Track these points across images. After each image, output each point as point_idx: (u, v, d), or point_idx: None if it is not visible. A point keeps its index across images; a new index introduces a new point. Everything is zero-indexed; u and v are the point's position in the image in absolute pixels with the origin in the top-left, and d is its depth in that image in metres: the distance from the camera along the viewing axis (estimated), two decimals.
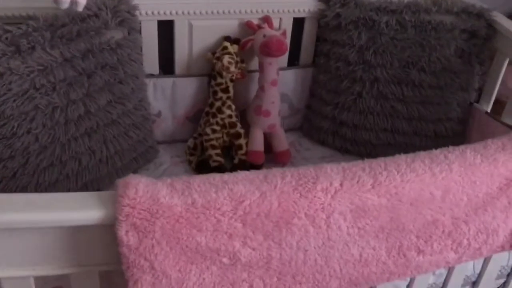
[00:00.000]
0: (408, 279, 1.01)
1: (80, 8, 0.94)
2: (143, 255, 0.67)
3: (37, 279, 0.72)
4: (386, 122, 1.42)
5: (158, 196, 0.67)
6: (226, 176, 0.73)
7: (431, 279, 1.06)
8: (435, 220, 0.85)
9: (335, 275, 0.82)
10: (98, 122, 1.16)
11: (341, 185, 0.76)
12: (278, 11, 1.38)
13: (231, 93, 1.36)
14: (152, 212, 0.66)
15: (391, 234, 0.83)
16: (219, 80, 1.34)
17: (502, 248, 0.95)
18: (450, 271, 1.05)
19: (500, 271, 1.14)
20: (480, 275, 1.12)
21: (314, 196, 0.74)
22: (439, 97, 1.39)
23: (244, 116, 1.42)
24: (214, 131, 1.35)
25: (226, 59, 1.29)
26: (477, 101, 1.42)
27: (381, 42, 1.36)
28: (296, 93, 1.51)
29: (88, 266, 0.71)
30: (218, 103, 1.36)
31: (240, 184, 0.72)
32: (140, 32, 1.25)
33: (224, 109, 1.36)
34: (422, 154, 0.84)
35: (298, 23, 1.44)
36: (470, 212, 0.87)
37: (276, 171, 0.76)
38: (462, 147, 0.86)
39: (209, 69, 1.38)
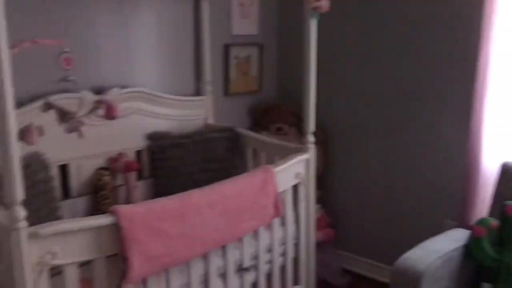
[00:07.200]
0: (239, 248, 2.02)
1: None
2: (133, 232, 1.55)
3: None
4: None
5: (132, 210, 1.59)
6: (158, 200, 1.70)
7: (252, 248, 2.08)
8: (243, 205, 1.92)
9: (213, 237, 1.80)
10: None
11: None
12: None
13: None
14: (132, 214, 1.57)
15: (226, 215, 1.86)
16: None
17: (272, 216, 2.07)
18: (258, 241, 2.10)
19: (282, 241, 2.24)
20: (271, 245, 2.19)
21: (190, 204, 1.74)
22: (223, 175, 2.54)
23: None
24: None
25: None
26: None
27: (189, 153, 2.49)
28: None
29: (101, 253, 1.54)
30: None
31: (162, 200, 1.69)
32: None
33: None
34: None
35: (138, 155, 2.48)
36: (254, 198, 1.97)
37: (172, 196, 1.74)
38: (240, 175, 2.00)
39: None
